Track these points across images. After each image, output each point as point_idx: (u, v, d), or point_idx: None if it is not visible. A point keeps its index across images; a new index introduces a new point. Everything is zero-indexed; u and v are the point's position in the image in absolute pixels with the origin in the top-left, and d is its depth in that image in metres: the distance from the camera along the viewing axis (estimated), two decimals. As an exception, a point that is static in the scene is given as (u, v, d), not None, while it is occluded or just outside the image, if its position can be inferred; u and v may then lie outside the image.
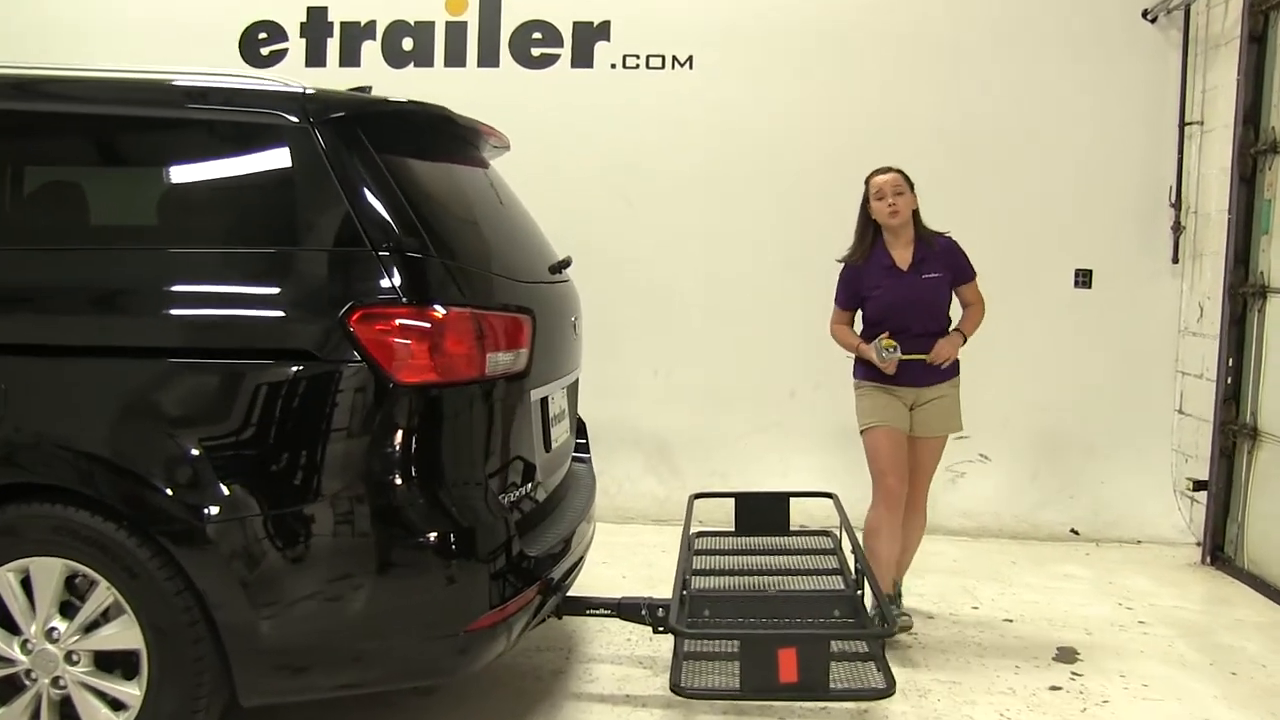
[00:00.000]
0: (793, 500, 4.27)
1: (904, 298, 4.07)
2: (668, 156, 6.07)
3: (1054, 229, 5.93)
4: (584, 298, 4.05)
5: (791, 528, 4.27)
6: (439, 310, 2.61)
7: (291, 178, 2.70)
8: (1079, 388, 5.95)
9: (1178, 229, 5.82)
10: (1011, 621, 4.36)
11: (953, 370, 4.13)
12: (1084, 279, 5.95)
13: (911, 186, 4.12)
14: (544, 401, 3.19)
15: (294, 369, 2.56)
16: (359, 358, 2.54)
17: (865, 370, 4.12)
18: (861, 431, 4.10)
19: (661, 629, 3.50)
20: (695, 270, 6.08)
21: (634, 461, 6.05)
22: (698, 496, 4.27)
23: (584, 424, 4.08)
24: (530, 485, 3.05)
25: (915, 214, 4.15)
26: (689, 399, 6.12)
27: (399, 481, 2.57)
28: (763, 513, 4.24)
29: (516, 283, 3.03)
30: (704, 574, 3.88)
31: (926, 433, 4.12)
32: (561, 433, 3.44)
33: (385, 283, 2.59)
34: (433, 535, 2.59)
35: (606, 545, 4.62)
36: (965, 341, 4.15)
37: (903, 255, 4.12)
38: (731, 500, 4.28)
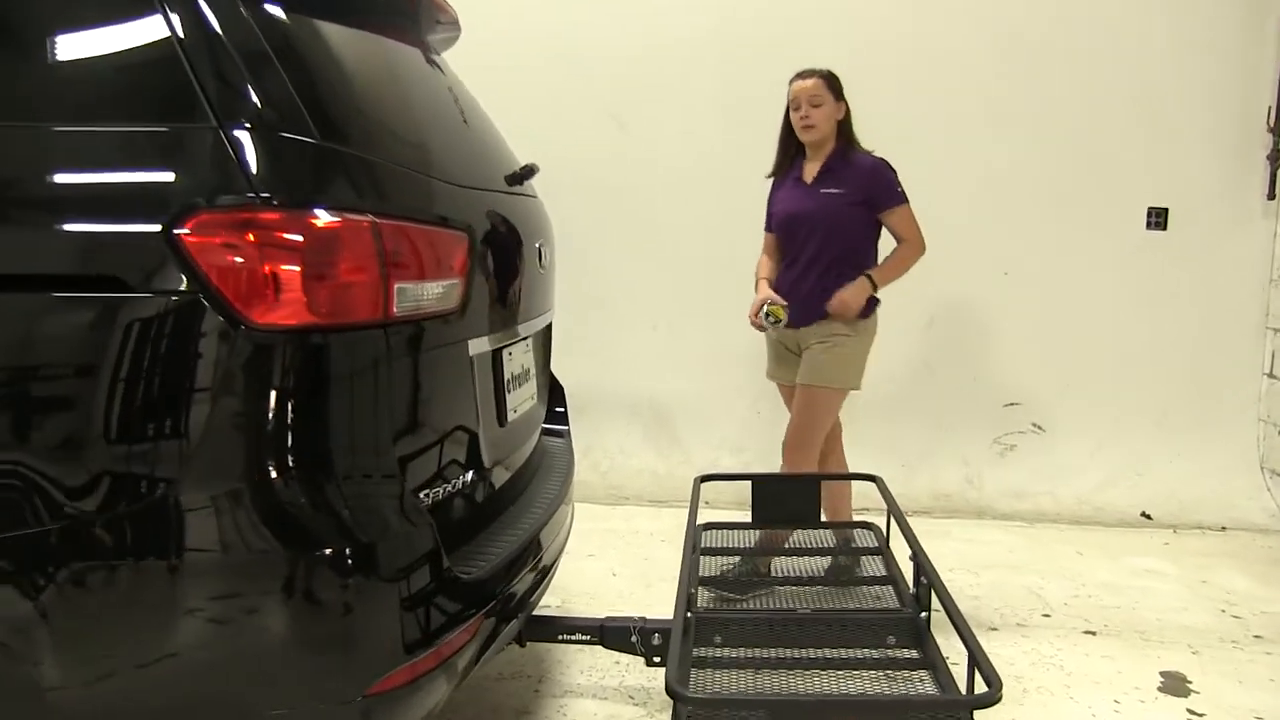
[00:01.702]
0: (825, 484, 3.40)
1: (792, 211, 3.66)
2: (667, 70, 5.13)
3: (1122, 159, 5.01)
4: (565, 234, 3.17)
5: (823, 519, 3.40)
6: (321, 217, 1.73)
7: (85, 12, 1.81)
8: (1149, 346, 5.06)
9: (1275, 159, 4.90)
10: (1094, 635, 3.51)
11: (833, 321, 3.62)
12: (1158, 219, 5.04)
13: (838, 94, 3.59)
14: (494, 357, 2.32)
15: (92, 307, 1.67)
16: (193, 288, 1.66)
17: None
18: None
19: (658, 662, 2.65)
20: (702, 209, 5.15)
21: (628, 432, 5.17)
22: (705, 479, 3.40)
23: (561, 388, 3.21)
24: (472, 474, 2.18)
25: (845, 127, 3.63)
26: (694, 359, 5.22)
27: (254, 477, 1.69)
28: (786, 500, 3.37)
29: (448, 187, 2.14)
30: (714, 584, 3.00)
31: (797, 379, 3.67)
32: (523, 399, 2.56)
33: (236, 174, 1.70)
34: (309, 558, 1.72)
35: (595, 532, 3.78)
36: (875, 289, 3.62)
37: (811, 169, 3.67)
38: (747, 483, 3.39)
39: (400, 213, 1.88)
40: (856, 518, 3.47)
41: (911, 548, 2.70)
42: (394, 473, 1.86)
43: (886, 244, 3.71)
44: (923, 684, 2.27)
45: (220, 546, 1.67)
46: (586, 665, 3.10)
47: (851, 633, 2.59)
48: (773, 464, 5.06)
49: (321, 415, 1.76)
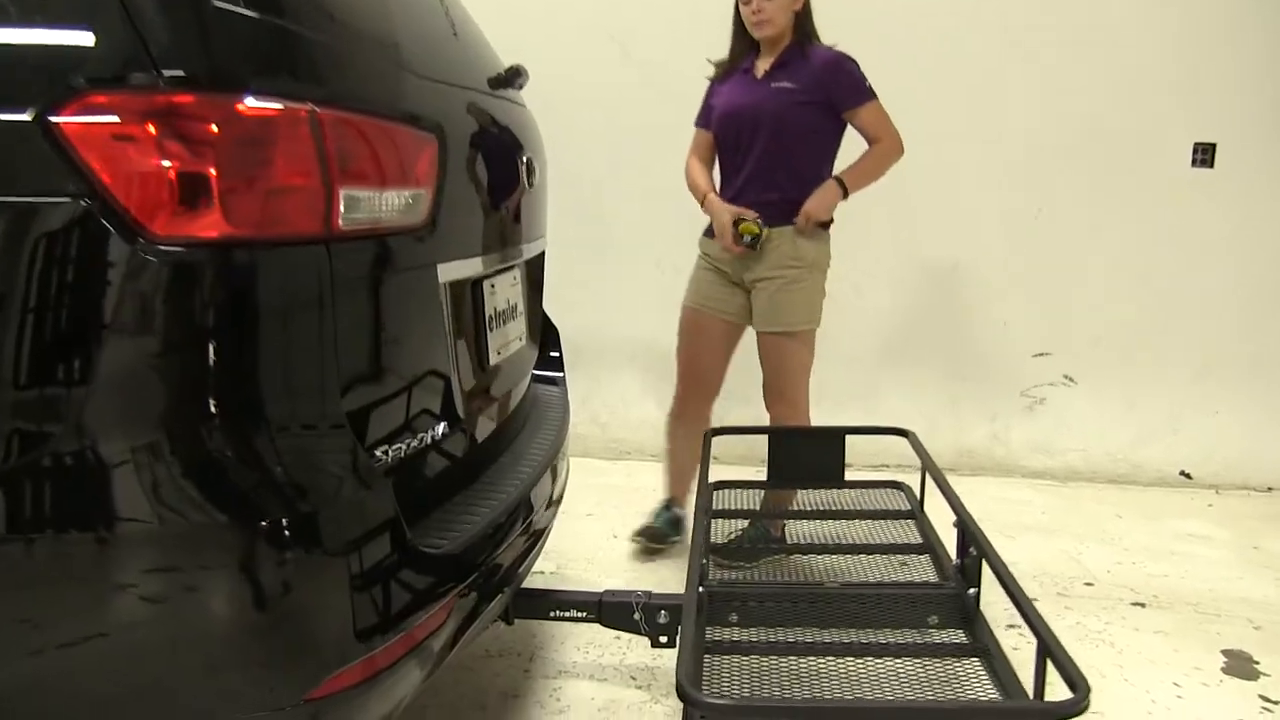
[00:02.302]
0: (849, 439, 3.04)
1: (737, 105, 3.21)
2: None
3: (1166, 90, 4.61)
4: (560, 162, 2.82)
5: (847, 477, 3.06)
6: (246, 103, 1.36)
7: None
8: (1190, 293, 4.68)
9: (1335, 89, 4.51)
10: (1143, 606, 3.18)
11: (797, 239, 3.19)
12: (1204, 156, 4.64)
13: None
14: (474, 289, 1.96)
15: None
16: (80, 191, 1.30)
17: (710, 226, 3.34)
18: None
19: (664, 643, 2.31)
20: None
21: (629, 381, 4.81)
22: (716, 433, 3.06)
23: (555, 330, 2.85)
24: (444, 427, 1.83)
25: (803, 20, 3.19)
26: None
27: (161, 428, 1.34)
28: (807, 456, 3.02)
29: (414, 78, 1.77)
30: (727, 555, 2.66)
31: (756, 325, 3.31)
32: (510, 340, 2.21)
33: (134, 45, 1.33)
34: (231, 531, 1.37)
35: (593, 489, 3.44)
36: (846, 195, 3.22)
37: (763, 65, 3.23)
38: (763, 438, 3.05)
39: (350, 103, 1.51)
40: (883, 477, 3.12)
41: (958, 513, 2.35)
42: (341, 423, 1.50)
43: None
44: (976, 676, 1.94)
45: (112, 518, 1.32)
46: (584, 641, 2.77)
47: (886, 611, 2.25)
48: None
49: (248, 352, 1.40)
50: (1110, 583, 3.36)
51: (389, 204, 1.56)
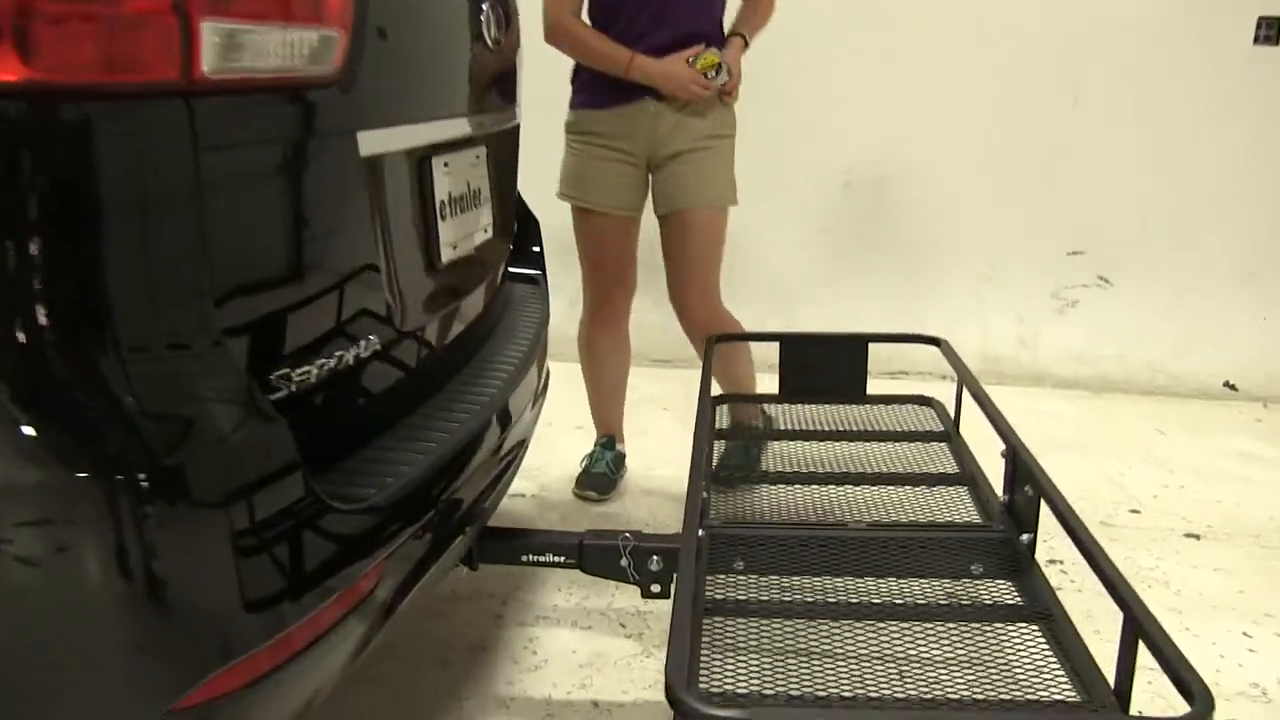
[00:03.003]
0: (873, 348, 2.66)
1: None
2: None
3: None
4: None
5: (870, 392, 2.68)
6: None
7: None
8: (1242, 187, 4.24)
9: None
10: (1198, 539, 2.83)
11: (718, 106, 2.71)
12: (1269, 31, 4.17)
13: None
14: (419, 167, 1.56)
15: None
16: None
17: (589, 96, 2.73)
18: (565, 199, 2.84)
19: (656, 593, 1.96)
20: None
21: (628, 279, 4.41)
22: (720, 339, 2.67)
23: (534, 220, 2.45)
24: (378, 341, 1.44)
25: None
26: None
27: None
28: (825, 367, 2.64)
29: None
30: (732, 486, 2.29)
31: (668, 206, 2.76)
32: (471, 231, 1.81)
33: None
34: (69, 481, 0.99)
35: (582, 401, 3.06)
36: (747, 47, 2.78)
37: None
38: (774, 346, 2.66)
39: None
40: (913, 393, 2.74)
41: (1007, 439, 1.98)
42: (219, 340, 1.11)
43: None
44: (1036, 649, 1.58)
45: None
46: (566, 581, 2.42)
47: (920, 557, 1.89)
48: (802, 318, 4.35)
49: (85, 244, 1.01)
50: (1159, 510, 3.01)
51: (281, 46, 1.15)
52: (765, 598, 1.76)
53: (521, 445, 1.99)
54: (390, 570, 1.36)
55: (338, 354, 1.32)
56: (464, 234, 1.76)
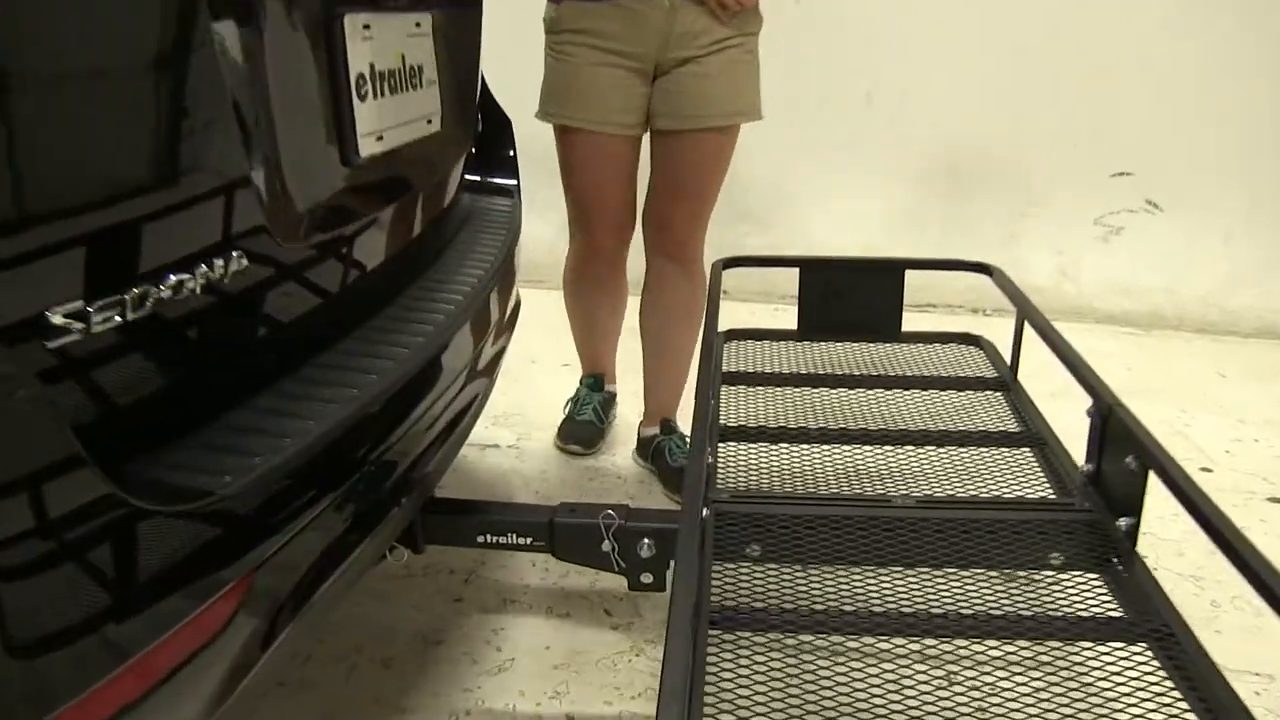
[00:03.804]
0: (910, 275, 2.23)
1: None
2: None
3: None
4: None
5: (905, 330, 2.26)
6: None
7: None
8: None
9: None
10: (1278, 502, 2.43)
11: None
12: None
13: None
14: (325, 27, 1.12)
15: None
16: None
17: None
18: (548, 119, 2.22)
19: (648, 584, 1.55)
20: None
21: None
22: (729, 264, 2.25)
23: (506, 121, 2.01)
24: (244, 262, 1.00)
25: None
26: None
27: None
28: (853, 299, 2.22)
29: None
30: (743, 440, 1.85)
31: (677, 121, 2.15)
32: (407, 119, 1.37)
33: None
34: None
35: (566, 335, 2.62)
36: None
37: None
38: (792, 273, 2.24)
39: None
40: (958, 331, 2.32)
41: (1098, 394, 1.57)
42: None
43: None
44: (1156, 678, 1.18)
45: None
46: (541, 555, 2.01)
47: (984, 543, 1.49)
48: (817, 246, 3.91)
49: None
50: (1233, 468, 2.60)
51: None
52: (789, 602, 1.35)
53: (478, 394, 1.57)
54: (264, 586, 0.95)
55: (172, 282, 0.89)
56: (394, 121, 1.33)
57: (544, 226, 3.18)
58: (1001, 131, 3.89)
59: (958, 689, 1.18)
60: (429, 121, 1.46)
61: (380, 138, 1.28)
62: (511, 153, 2.02)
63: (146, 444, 0.90)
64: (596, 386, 2.62)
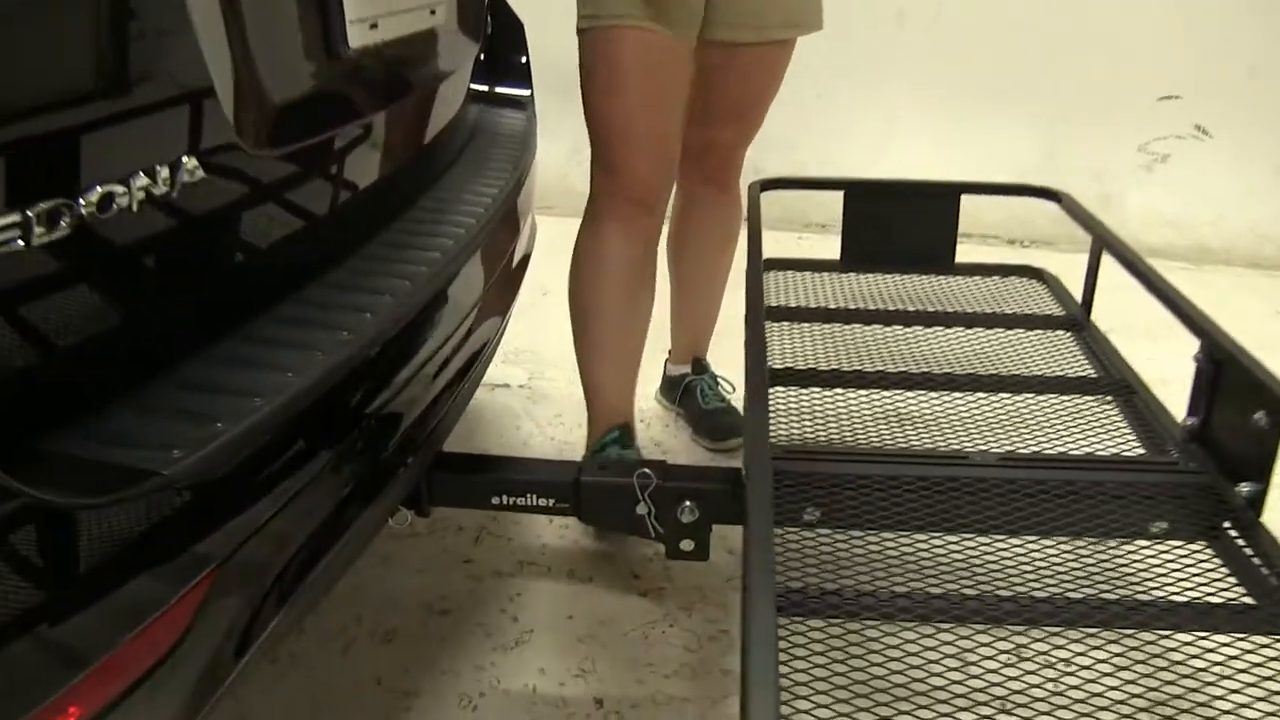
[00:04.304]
0: (966, 200, 2.01)
1: None
2: None
3: None
4: None
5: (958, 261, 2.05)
6: None
7: None
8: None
9: None
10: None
11: None
12: None
13: None
14: None
15: None
16: None
17: None
18: (580, 33, 1.67)
19: (689, 552, 1.36)
20: None
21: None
22: (768, 186, 2.02)
23: (518, 24, 1.78)
24: (193, 167, 0.79)
25: None
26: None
27: None
28: (901, 227, 2.01)
29: None
30: (791, 384, 1.62)
31: (734, 31, 1.75)
32: (402, 8, 1.15)
33: None
34: None
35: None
36: None
37: None
38: (819, 200, 2.02)
39: None
40: (1017, 263, 2.10)
41: (1207, 335, 1.37)
42: None
43: None
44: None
45: None
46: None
47: (1074, 508, 1.29)
48: (844, 168, 3.66)
49: None
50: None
51: None
52: (857, 580, 1.15)
53: (490, 335, 1.37)
54: (231, 586, 0.75)
55: (104, 190, 0.68)
56: (391, 7, 1.10)
57: (554, 148, 2.93)
58: (1038, 51, 3.63)
59: (1064, 681, 0.98)
60: (432, 12, 1.24)
61: (374, 25, 1.05)
62: (524, 59, 1.79)
63: (69, 411, 0.69)
64: (627, 442, 1.83)
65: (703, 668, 1.46)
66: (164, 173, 0.73)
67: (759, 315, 1.36)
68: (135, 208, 0.70)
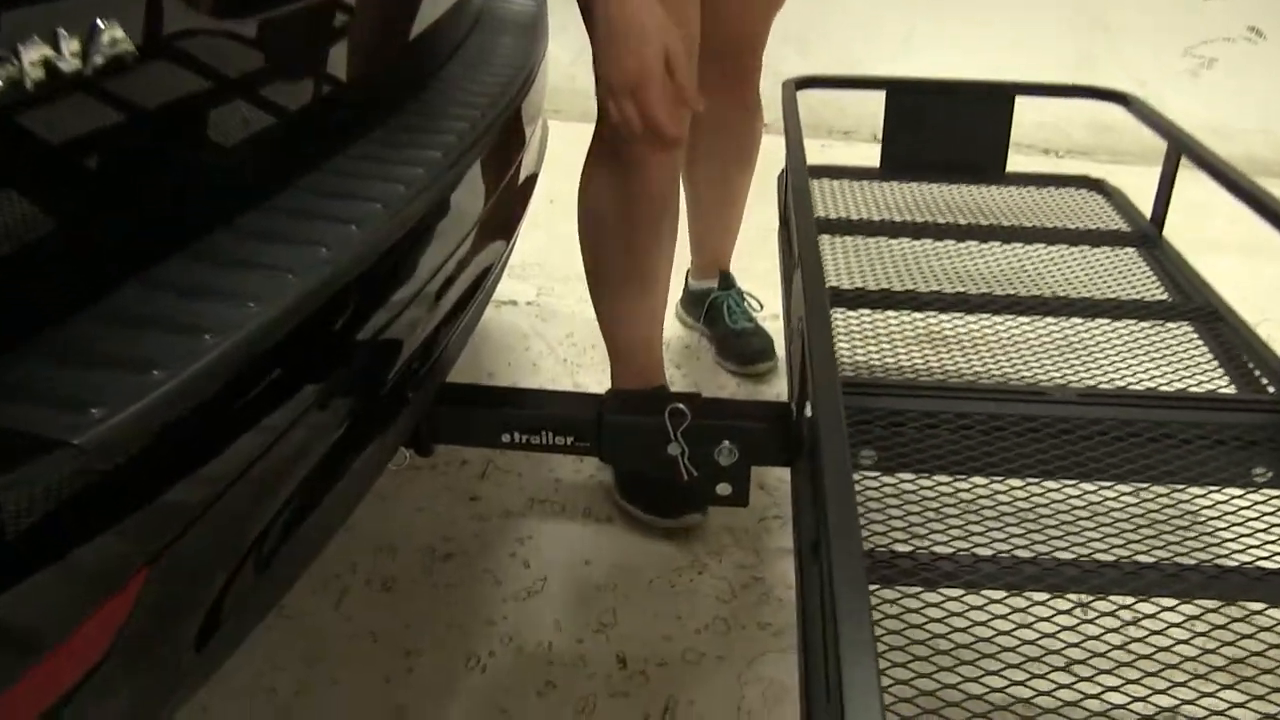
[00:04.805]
0: (1020, 103, 1.82)
1: None
2: None
3: None
4: None
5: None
6: None
7: None
8: None
9: None
10: None
11: None
12: None
13: None
14: None
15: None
16: None
17: None
18: None
19: (728, 497, 1.20)
20: None
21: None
22: (802, 85, 1.81)
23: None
24: (110, 43, 0.61)
25: None
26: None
27: None
28: (948, 131, 1.82)
29: None
30: (836, 306, 1.44)
31: None
32: None
33: None
34: None
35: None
36: None
37: None
38: (844, 104, 1.82)
39: None
40: (1076, 173, 1.92)
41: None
42: None
43: None
44: None
45: None
46: (573, 442, 1.66)
47: (1165, 452, 1.13)
48: (866, 69, 3.44)
49: None
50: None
51: None
52: (936, 541, 0.99)
53: (498, 251, 1.19)
54: (176, 573, 0.59)
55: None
56: None
57: (559, 49, 2.72)
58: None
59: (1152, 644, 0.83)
60: None
61: None
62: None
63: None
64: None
65: (736, 621, 1.32)
66: (75, 44, 0.55)
67: (810, 227, 1.18)
68: (32, 84, 0.52)
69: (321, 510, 0.77)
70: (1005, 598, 0.90)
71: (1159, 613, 0.89)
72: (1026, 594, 0.89)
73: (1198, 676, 0.82)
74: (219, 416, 0.62)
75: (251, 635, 0.79)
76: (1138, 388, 1.24)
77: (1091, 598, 0.90)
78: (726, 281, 1.97)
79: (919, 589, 0.90)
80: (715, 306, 1.96)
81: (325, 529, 0.82)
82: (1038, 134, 3.49)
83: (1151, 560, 0.95)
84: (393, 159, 0.91)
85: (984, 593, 0.91)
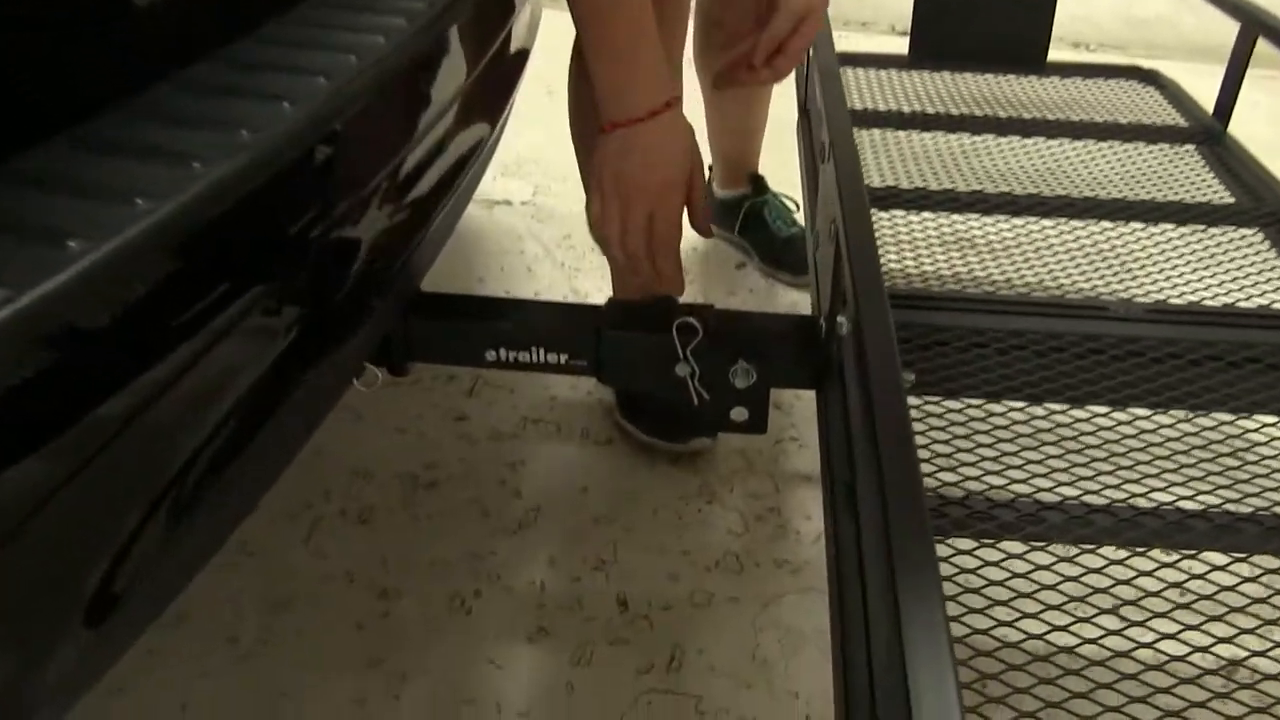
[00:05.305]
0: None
1: None
2: None
3: None
4: None
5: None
6: None
7: None
8: None
9: None
10: None
11: None
12: None
13: None
14: None
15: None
16: None
17: None
18: None
19: (746, 424, 1.05)
20: None
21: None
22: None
23: None
24: None
25: None
26: None
27: None
28: (984, 16, 1.65)
29: None
30: (886, 204, 1.28)
31: None
32: None
33: None
34: None
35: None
36: None
37: None
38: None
39: None
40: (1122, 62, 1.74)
41: None
42: None
43: None
44: None
45: None
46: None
47: (1242, 376, 0.99)
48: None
49: None
50: None
51: None
52: (993, 485, 0.85)
53: (483, 136, 1.03)
54: (39, 532, 0.45)
55: None
56: None
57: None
58: None
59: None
60: None
61: None
62: None
63: None
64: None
65: (750, 558, 1.19)
66: None
67: (844, 116, 1.02)
68: None
69: (268, 430, 0.63)
70: (1075, 555, 0.76)
71: (1260, 575, 0.75)
72: (1110, 557, 0.76)
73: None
74: (139, 309, 0.47)
75: (211, 575, 0.66)
76: (1213, 303, 1.09)
77: (1177, 556, 0.76)
78: (760, 186, 1.79)
79: (974, 544, 0.76)
80: (755, 214, 1.77)
81: (277, 454, 0.68)
82: (1069, 26, 3.28)
83: (1248, 510, 0.81)
84: (348, 20, 0.74)
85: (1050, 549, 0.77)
